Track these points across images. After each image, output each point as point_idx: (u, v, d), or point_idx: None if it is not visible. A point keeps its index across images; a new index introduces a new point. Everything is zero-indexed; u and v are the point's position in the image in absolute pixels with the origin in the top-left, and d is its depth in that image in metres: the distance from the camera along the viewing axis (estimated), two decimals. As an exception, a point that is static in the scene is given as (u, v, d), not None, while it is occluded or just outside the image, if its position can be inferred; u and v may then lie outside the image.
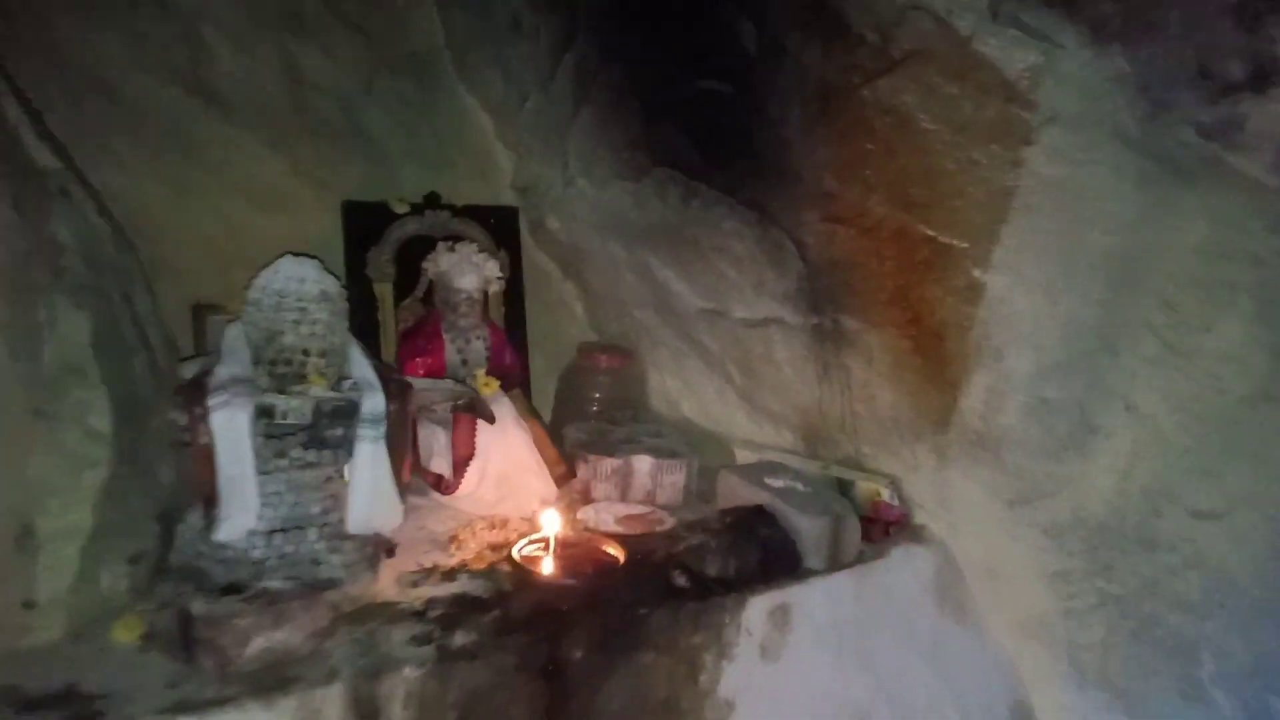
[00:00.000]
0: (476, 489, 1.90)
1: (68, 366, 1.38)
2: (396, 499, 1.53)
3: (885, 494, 1.97)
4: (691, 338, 2.26)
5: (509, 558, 1.64)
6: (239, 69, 1.97)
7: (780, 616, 1.72)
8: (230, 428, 1.40)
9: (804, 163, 1.81)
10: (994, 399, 1.73)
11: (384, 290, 2.17)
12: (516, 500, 1.93)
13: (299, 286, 1.52)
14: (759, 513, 1.88)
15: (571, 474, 2.05)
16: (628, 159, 2.09)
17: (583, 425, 2.24)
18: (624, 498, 2.06)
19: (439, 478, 1.91)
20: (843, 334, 1.94)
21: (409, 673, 1.38)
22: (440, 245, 2.02)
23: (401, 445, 1.55)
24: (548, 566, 1.69)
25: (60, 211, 1.42)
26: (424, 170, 2.24)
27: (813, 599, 1.78)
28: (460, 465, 1.89)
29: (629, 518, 1.95)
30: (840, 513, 1.85)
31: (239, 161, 1.98)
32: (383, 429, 1.52)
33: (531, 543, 1.72)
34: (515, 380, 2.08)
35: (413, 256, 2.19)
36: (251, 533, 1.47)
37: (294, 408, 1.46)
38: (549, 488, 1.99)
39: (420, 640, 1.45)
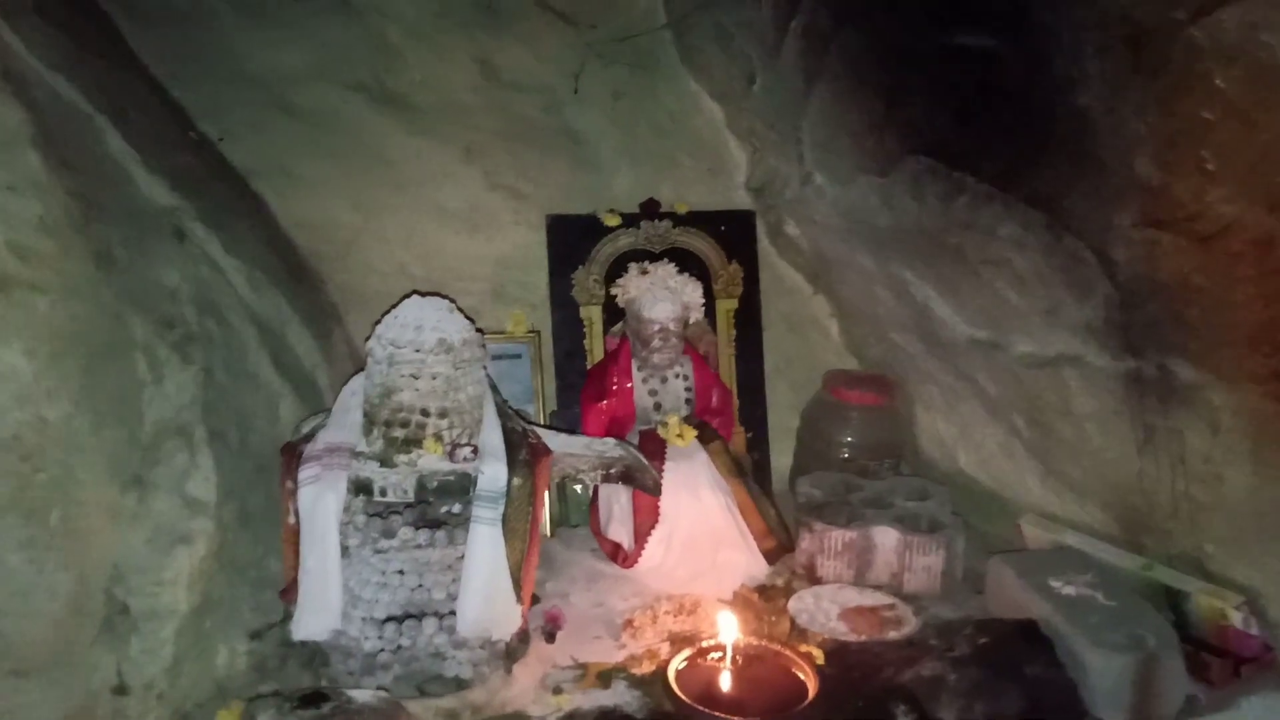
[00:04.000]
0: (661, 563, 1.56)
1: (170, 428, 1.25)
2: (513, 599, 1.24)
3: (1235, 617, 1.35)
4: (964, 374, 1.74)
5: (664, 675, 1.29)
6: (427, 72, 1.80)
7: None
8: (316, 510, 1.19)
9: (1109, 143, 1.25)
10: None
11: (592, 314, 1.90)
12: (715, 579, 1.57)
13: (415, 335, 1.28)
14: (1029, 636, 1.36)
15: (788, 547, 1.64)
16: (872, 146, 1.62)
17: (822, 478, 1.81)
18: (861, 579, 1.62)
19: (616, 547, 1.60)
20: (1173, 387, 1.34)
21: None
22: (631, 268, 1.70)
23: (523, 529, 1.25)
24: (725, 684, 1.32)
25: (170, 254, 1.30)
26: (641, 173, 1.94)
27: (1106, 769, 1.24)
28: (642, 534, 1.56)
29: (858, 612, 1.51)
30: (1156, 648, 1.27)
31: (429, 176, 1.81)
32: (501, 509, 1.24)
33: (702, 653, 1.35)
34: (723, 428, 1.71)
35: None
36: (366, 620, 1.27)
37: (394, 483, 1.22)
38: (756, 564, 1.60)
39: (528, 784, 1.16)
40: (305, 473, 1.21)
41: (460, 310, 1.35)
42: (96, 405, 1.17)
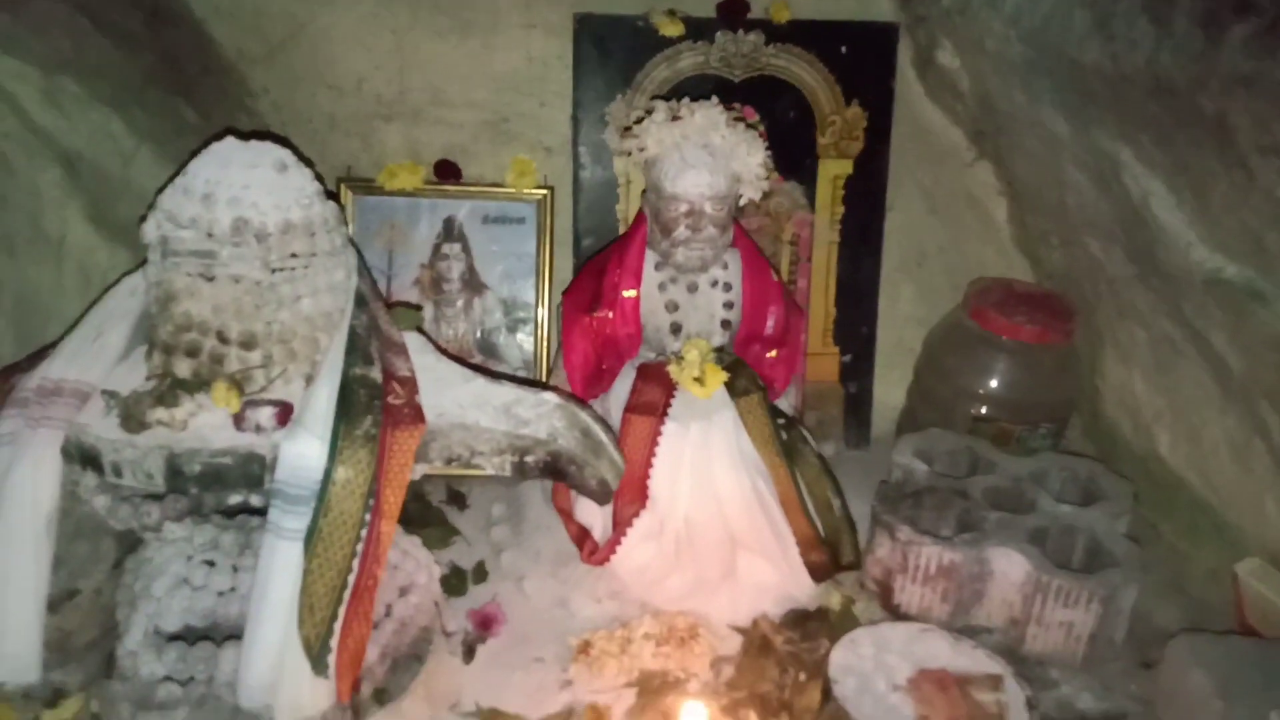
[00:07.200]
0: (646, 566, 1.04)
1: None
2: (308, 673, 0.76)
3: None
4: (1193, 325, 1.06)
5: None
6: None
7: None
8: (4, 490, 0.73)
9: None
10: None
11: (632, 166, 1.32)
12: (728, 596, 1.05)
13: (203, 209, 0.77)
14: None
15: (846, 563, 1.09)
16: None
17: (938, 441, 1.26)
18: (961, 615, 1.07)
19: (584, 532, 1.08)
20: None
21: None
22: (658, 108, 1.08)
23: (342, 556, 0.75)
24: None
25: None
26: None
27: None
28: (621, 521, 1.04)
29: (938, 684, 0.97)
30: None
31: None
32: (307, 517, 0.74)
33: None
34: (777, 369, 1.12)
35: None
36: (152, 633, 0.84)
37: (130, 460, 0.74)
38: (795, 581, 1.07)
39: None
40: (2, 425, 0.75)
41: (304, 160, 0.82)
42: None
